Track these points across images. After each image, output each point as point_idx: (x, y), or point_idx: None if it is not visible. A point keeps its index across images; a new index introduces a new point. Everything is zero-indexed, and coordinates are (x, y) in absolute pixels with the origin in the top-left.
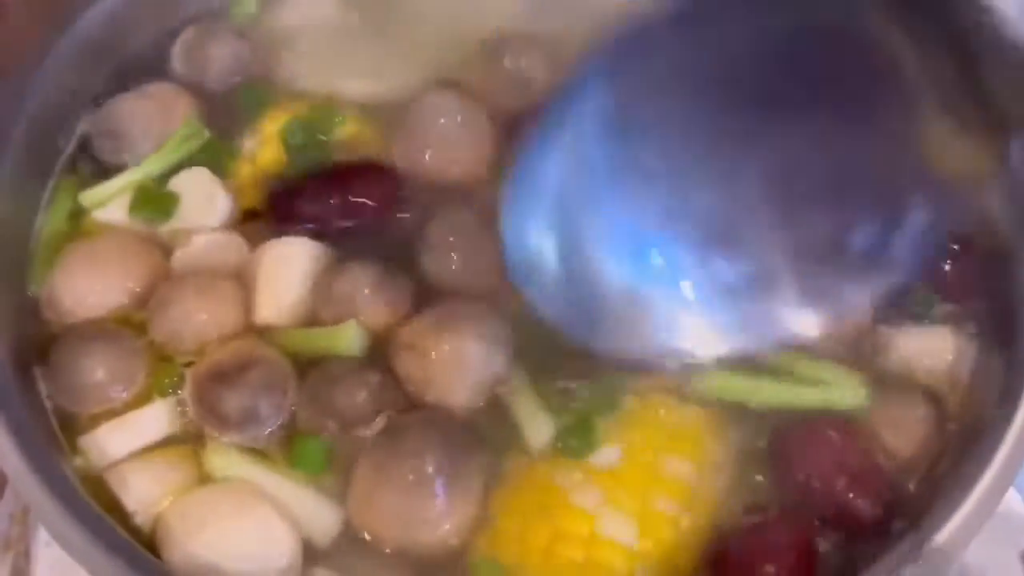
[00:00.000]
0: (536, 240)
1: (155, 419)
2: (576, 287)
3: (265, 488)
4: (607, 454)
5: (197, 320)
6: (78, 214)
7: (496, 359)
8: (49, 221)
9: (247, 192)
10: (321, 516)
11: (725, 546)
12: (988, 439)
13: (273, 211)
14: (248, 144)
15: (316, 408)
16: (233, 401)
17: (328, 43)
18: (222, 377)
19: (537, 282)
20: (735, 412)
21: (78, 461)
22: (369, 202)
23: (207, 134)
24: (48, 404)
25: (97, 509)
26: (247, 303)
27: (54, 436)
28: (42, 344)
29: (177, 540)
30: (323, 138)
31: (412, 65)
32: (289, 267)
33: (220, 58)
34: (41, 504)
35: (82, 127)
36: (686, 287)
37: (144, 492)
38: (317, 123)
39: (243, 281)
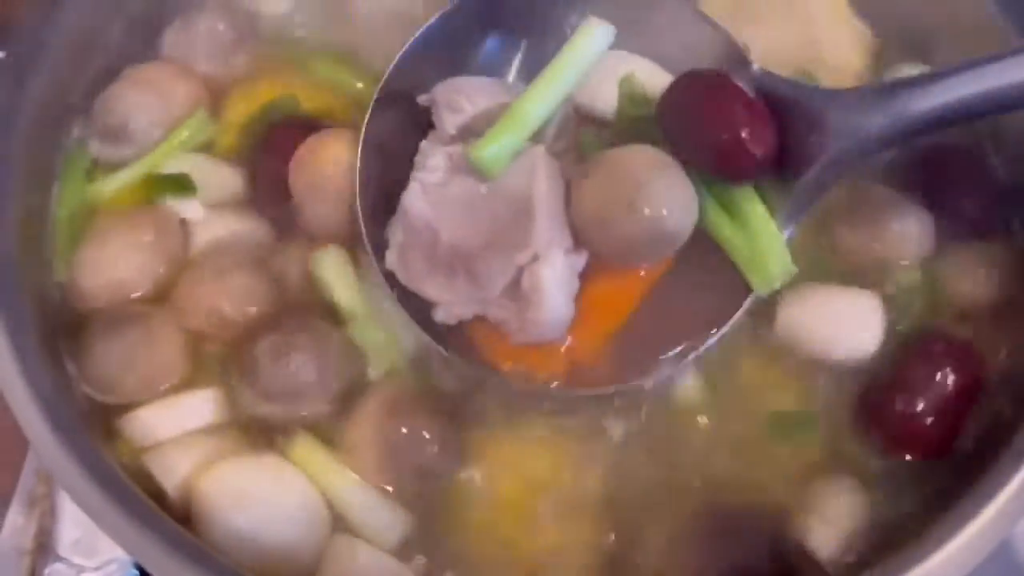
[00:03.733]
0: None
1: (200, 405)
2: None
3: (335, 488)
4: None
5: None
6: (91, 197)
7: None
8: (62, 204)
9: None
10: (387, 519)
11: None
12: None
13: None
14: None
15: None
16: (271, 345)
17: None
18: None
19: None
20: None
21: (115, 444)
22: None
23: (215, 125)
24: (78, 387)
25: (134, 489)
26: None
27: (85, 417)
28: (71, 329)
29: (216, 514)
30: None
31: None
32: None
33: (218, 41)
34: (75, 485)
35: (77, 127)
36: None
37: (184, 477)
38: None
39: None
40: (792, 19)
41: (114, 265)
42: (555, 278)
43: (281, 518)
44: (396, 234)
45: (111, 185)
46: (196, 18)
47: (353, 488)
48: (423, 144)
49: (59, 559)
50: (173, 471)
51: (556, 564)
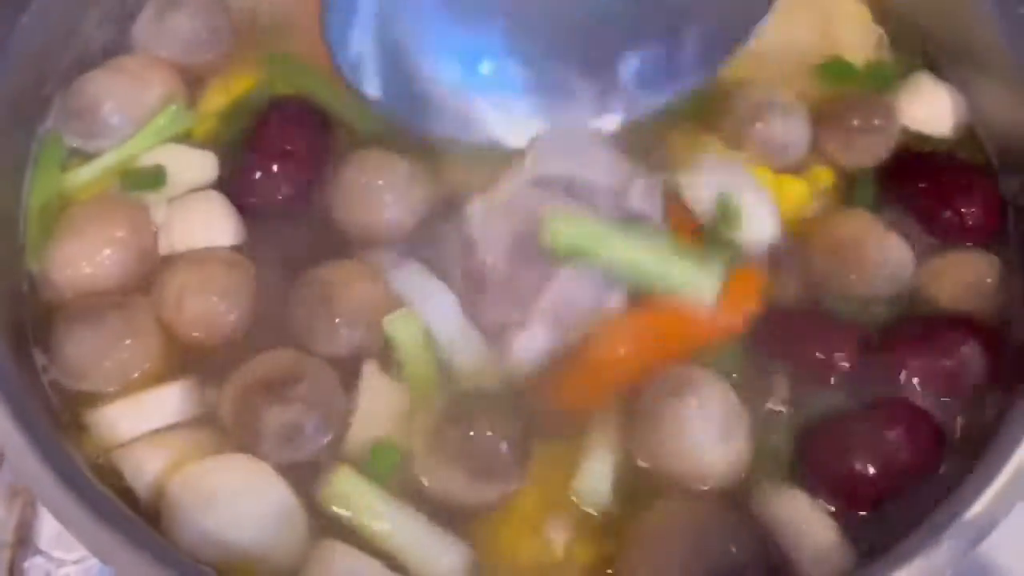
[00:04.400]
0: (360, 45)
1: (171, 400)
2: (404, 84)
3: (385, 524)
4: None
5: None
6: (65, 187)
7: None
8: (34, 194)
9: None
10: (444, 555)
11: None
12: None
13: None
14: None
15: None
16: (277, 417)
17: None
18: (266, 391)
19: (368, 79)
20: None
21: (82, 439)
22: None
23: (191, 115)
24: (47, 381)
25: (99, 487)
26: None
27: (53, 412)
28: (39, 320)
29: (187, 517)
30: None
31: None
32: None
33: (189, 30)
34: (40, 481)
35: (51, 118)
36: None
37: (155, 476)
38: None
39: None
40: (810, 13)
41: (87, 259)
42: (528, 347)
43: (253, 520)
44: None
45: (85, 175)
46: (169, 8)
47: (404, 523)
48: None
49: (39, 552)
50: (144, 470)
51: None
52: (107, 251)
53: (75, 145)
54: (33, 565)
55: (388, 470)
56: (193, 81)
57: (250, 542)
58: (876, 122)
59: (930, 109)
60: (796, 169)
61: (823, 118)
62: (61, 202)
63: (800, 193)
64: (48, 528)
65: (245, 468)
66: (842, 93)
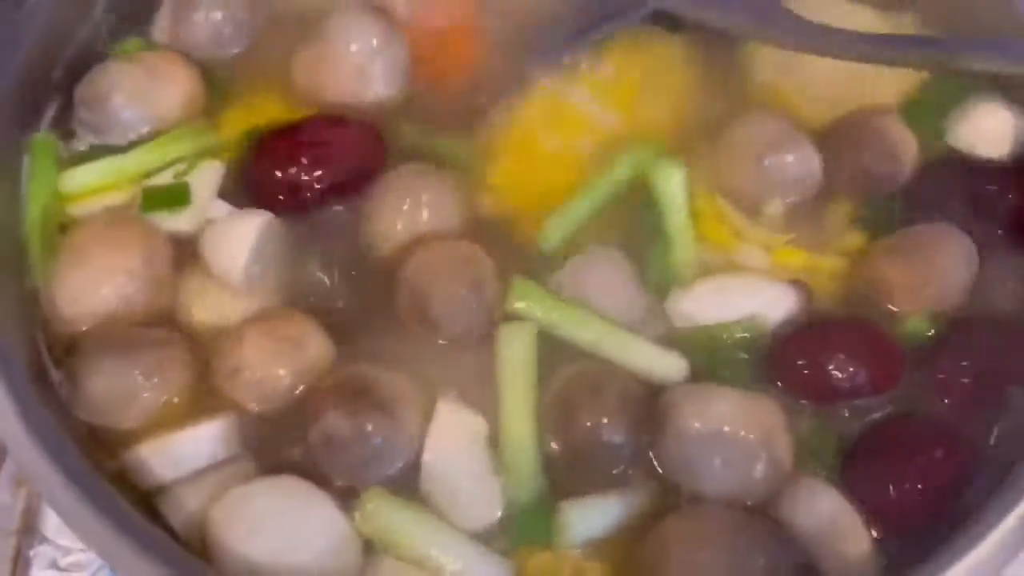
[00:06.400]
0: None
1: (211, 440)
2: None
3: (422, 540)
4: None
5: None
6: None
7: None
8: (32, 198)
9: None
10: (486, 571)
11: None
12: None
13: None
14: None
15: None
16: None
17: None
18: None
19: None
20: None
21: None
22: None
23: (215, 133)
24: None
25: (107, 489)
26: None
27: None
28: (56, 343)
29: (229, 545)
30: None
31: None
32: None
33: (213, 24)
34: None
35: (59, 101)
36: None
37: (195, 511)
38: None
39: None
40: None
41: (94, 291)
42: None
43: (302, 544)
44: None
45: (84, 177)
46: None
47: (448, 543)
48: None
49: (45, 540)
50: (180, 508)
51: None
52: (120, 284)
53: (87, 141)
54: (39, 553)
55: (544, 534)
56: (215, 84)
57: (300, 568)
58: (885, 156)
59: (986, 132)
60: (815, 208)
61: (829, 150)
62: (62, 210)
63: (834, 269)
64: (54, 516)
65: (289, 490)
66: (844, 120)
